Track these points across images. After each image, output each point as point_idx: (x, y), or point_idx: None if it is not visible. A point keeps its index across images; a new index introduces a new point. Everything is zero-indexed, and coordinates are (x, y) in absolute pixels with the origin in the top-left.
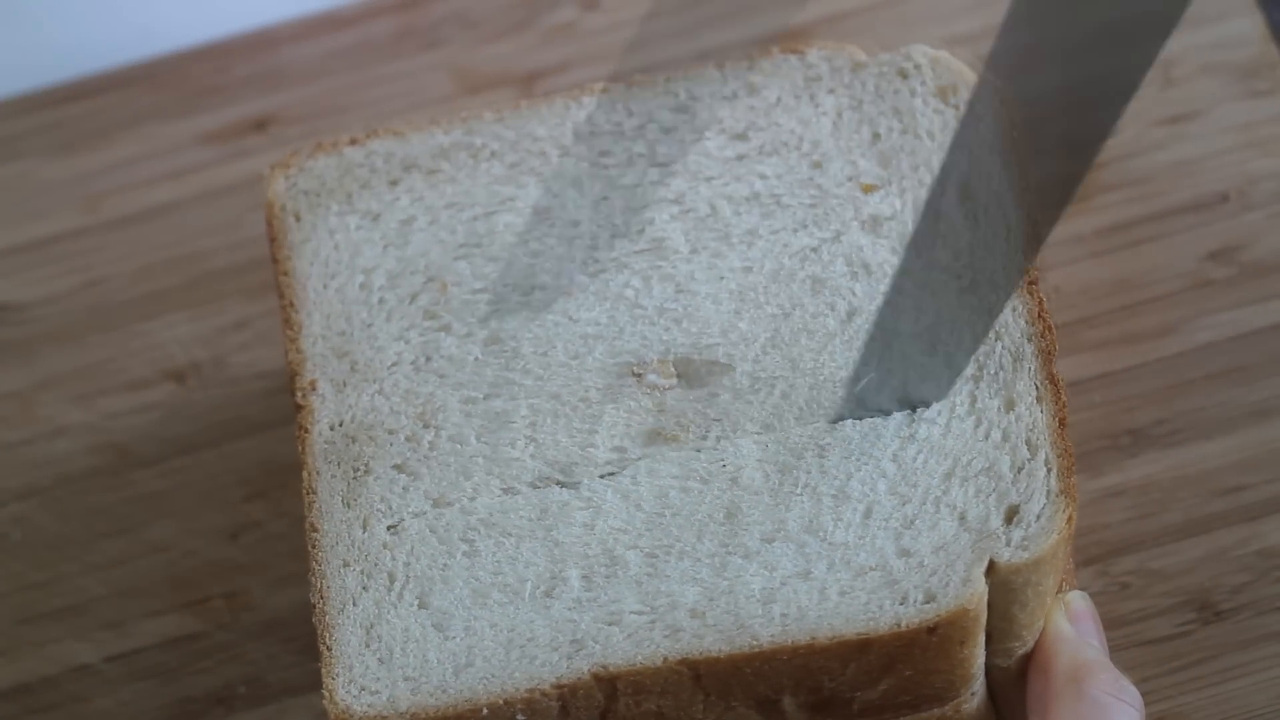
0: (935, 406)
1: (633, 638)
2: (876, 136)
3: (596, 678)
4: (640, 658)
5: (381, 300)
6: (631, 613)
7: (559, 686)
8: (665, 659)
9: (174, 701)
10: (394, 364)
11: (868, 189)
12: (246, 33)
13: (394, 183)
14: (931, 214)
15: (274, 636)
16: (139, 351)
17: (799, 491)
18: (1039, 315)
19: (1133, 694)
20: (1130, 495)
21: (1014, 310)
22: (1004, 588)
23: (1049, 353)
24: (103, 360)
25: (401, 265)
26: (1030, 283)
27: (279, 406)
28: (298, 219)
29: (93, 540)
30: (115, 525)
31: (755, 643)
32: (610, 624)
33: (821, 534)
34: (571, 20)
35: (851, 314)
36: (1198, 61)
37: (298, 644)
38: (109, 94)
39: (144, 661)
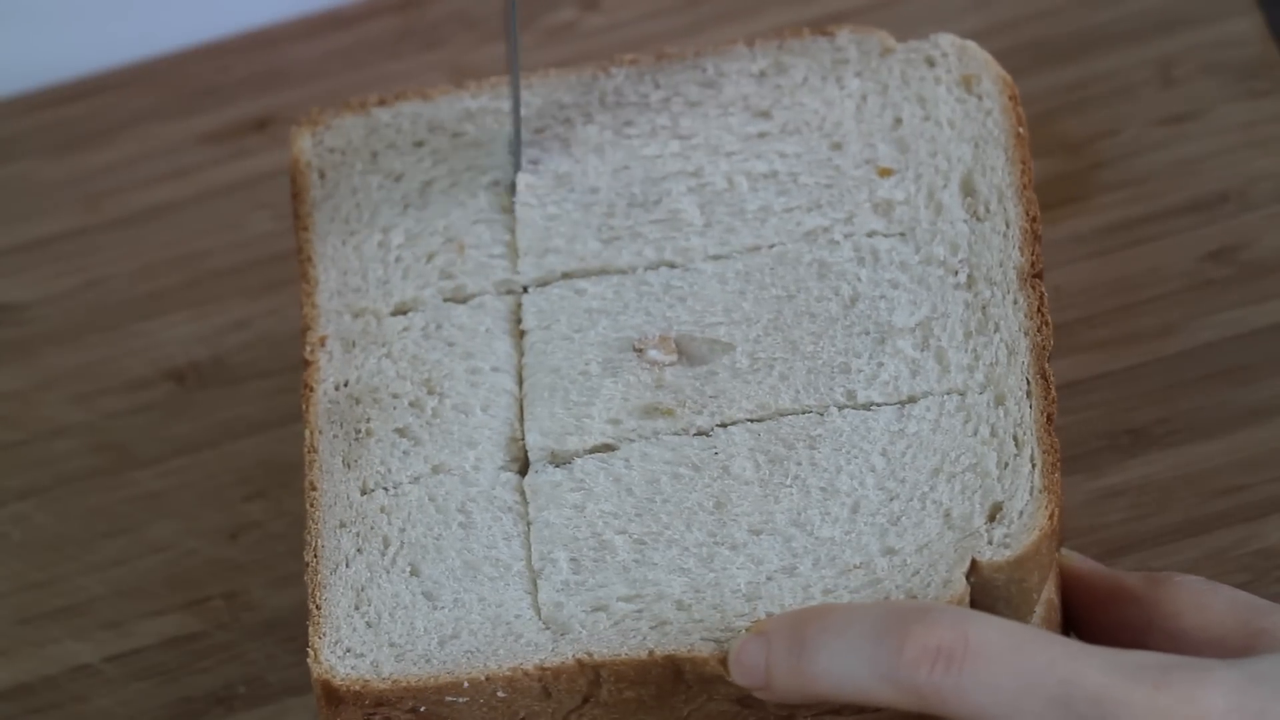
0: (925, 402)
1: (619, 627)
2: (898, 122)
3: (581, 664)
4: (626, 649)
5: (398, 259)
6: (619, 600)
7: (542, 669)
8: (651, 652)
9: (174, 701)
10: (404, 329)
11: (884, 173)
12: (246, 33)
13: (419, 144)
14: None
15: (274, 636)
16: (139, 351)
17: (788, 483)
18: (1039, 309)
19: None
20: (1130, 495)
21: (1014, 303)
22: (987, 587)
23: (1043, 348)
24: (103, 360)
25: (420, 225)
26: (1034, 275)
27: (279, 406)
28: (322, 176)
29: (92, 540)
30: (115, 525)
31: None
32: (597, 610)
33: (808, 529)
34: (571, 20)
35: (854, 300)
36: (1198, 61)
37: (298, 644)
38: (109, 94)
39: (144, 661)
